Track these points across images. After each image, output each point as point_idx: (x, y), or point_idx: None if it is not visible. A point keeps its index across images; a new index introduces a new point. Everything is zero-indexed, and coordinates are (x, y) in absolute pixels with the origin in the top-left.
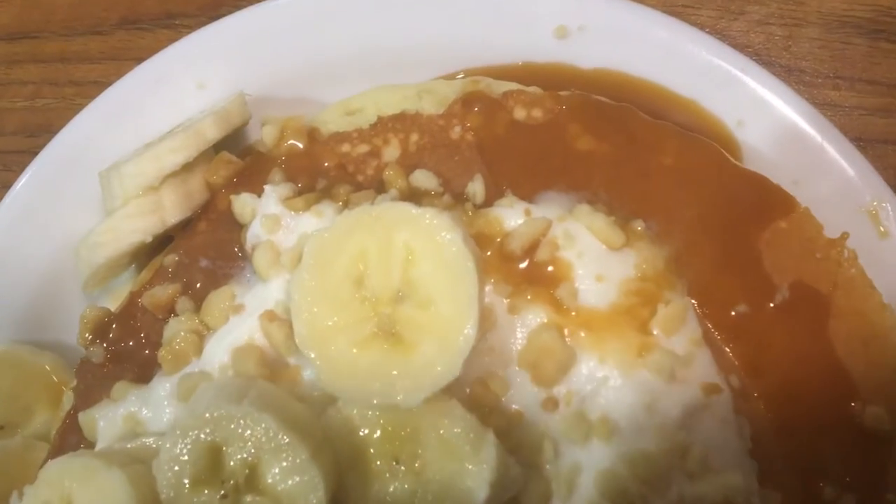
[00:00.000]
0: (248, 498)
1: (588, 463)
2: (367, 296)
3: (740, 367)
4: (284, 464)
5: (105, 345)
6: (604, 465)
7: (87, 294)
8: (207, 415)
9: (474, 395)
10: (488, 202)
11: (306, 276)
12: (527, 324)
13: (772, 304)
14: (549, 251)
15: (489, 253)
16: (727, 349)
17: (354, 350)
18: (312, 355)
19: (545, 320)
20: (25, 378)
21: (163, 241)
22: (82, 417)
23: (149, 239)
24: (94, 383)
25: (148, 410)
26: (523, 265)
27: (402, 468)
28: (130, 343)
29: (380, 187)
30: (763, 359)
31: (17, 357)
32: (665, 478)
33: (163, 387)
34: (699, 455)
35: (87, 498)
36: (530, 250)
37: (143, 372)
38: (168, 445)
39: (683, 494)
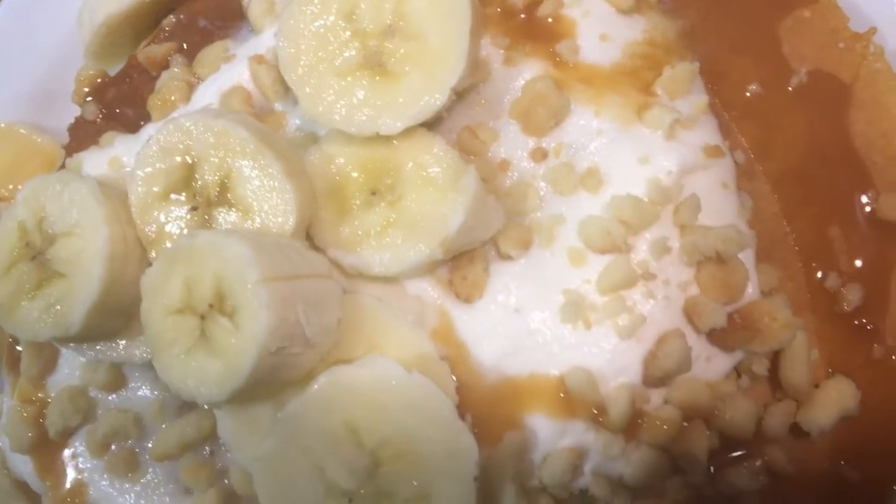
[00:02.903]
0: (219, 211)
1: (572, 214)
2: (356, 28)
3: (749, 146)
4: (257, 174)
5: (99, 103)
6: (588, 213)
7: None
8: (183, 122)
9: (461, 140)
10: None
11: (296, 8)
12: (522, 77)
13: (789, 88)
14: (552, 7)
15: (492, 9)
16: (735, 127)
17: (339, 80)
18: (296, 84)
19: (542, 73)
20: (23, 155)
21: None
22: (69, 162)
23: None
24: (85, 139)
25: (133, 156)
26: (523, 17)
27: (379, 199)
28: (124, 101)
29: None
30: (774, 140)
31: (15, 134)
32: (651, 225)
33: (149, 133)
34: (692, 208)
35: (58, 210)
36: (532, 5)
37: (135, 128)
38: (141, 156)
39: (670, 245)
